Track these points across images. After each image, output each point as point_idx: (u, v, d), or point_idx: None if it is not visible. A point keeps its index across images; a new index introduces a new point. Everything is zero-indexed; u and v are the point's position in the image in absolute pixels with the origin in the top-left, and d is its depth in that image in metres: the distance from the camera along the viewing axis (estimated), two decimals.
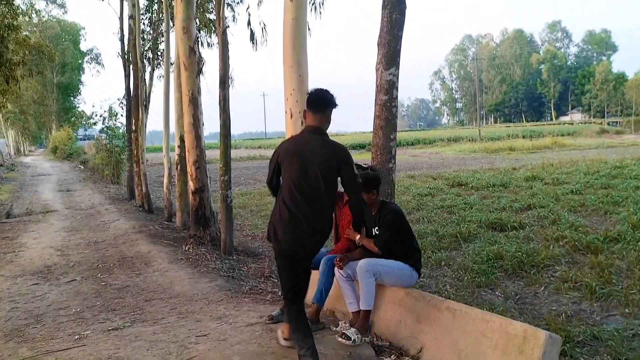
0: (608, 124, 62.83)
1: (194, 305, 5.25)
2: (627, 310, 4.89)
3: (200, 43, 9.54)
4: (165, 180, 11.38)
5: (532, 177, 15.42)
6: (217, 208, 8.86)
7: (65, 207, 13.63)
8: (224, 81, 6.72)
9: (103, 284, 6.17)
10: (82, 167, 29.70)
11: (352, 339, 3.92)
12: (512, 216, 9.43)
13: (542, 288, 5.67)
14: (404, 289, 4.16)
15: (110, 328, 4.59)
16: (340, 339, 3.97)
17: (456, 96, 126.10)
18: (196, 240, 7.74)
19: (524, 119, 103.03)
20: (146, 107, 13.00)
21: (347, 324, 4.20)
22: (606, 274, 5.74)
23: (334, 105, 3.54)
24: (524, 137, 45.05)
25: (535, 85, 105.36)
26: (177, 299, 5.48)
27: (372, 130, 4.75)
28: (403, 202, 11.95)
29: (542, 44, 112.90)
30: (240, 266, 6.70)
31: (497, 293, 5.58)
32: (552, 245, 7.25)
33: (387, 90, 4.46)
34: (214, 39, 13.53)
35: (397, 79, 4.51)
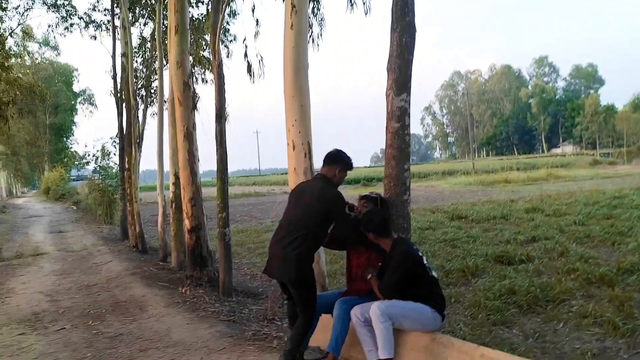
0: (600, 155, 63.35)
1: (193, 355, 4.84)
2: None
3: (194, 79, 9.39)
4: (160, 218, 11.06)
5: (532, 208, 15.24)
6: (214, 247, 8.54)
7: (57, 249, 13.22)
8: (221, 115, 6.52)
9: (94, 332, 5.76)
10: (75, 208, 29.29)
11: None
12: (518, 249, 9.18)
13: (561, 325, 5.37)
14: (428, 334, 3.79)
15: None
16: None
17: (447, 130, 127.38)
18: (193, 281, 7.38)
19: (515, 152, 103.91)
20: (139, 145, 12.79)
21: None
22: (627, 308, 5.47)
23: (341, 163, 4.18)
24: (517, 169, 45.16)
25: (525, 119, 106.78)
26: (175, 348, 5.08)
27: (384, 160, 4.53)
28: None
29: (530, 79, 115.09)
30: (241, 308, 6.29)
31: (514, 331, 5.26)
32: (564, 279, 6.98)
33: (399, 117, 4.25)
34: (208, 76, 13.50)
35: (409, 105, 4.31)
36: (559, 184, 29.54)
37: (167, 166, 10.08)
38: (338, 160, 4.15)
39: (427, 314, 3.76)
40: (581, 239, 9.83)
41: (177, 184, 9.06)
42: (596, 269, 7.11)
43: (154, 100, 13.97)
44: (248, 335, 5.27)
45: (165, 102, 11.38)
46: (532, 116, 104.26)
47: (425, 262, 3.84)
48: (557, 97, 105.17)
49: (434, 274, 3.95)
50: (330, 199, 3.95)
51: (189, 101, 7.83)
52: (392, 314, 3.66)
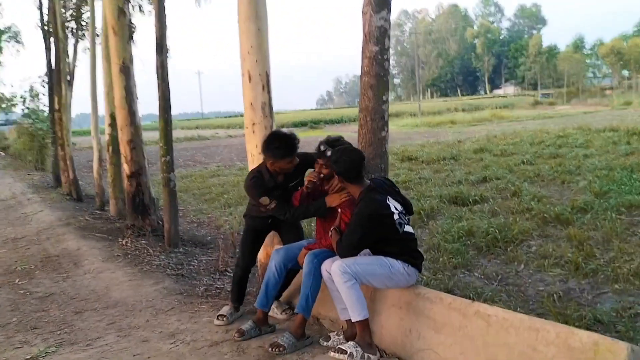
0: (541, 95, 65.16)
1: (137, 317, 4.26)
2: (617, 286, 4.52)
3: (130, 7, 8.39)
4: (95, 164, 10.22)
5: (480, 149, 15.37)
6: (157, 193, 7.94)
7: None
8: (161, 45, 5.76)
9: (22, 292, 5.10)
10: (3, 154, 27.39)
11: (350, 353, 3.13)
12: (471, 189, 9.13)
13: (522, 266, 5.26)
14: (412, 289, 3.35)
15: (29, 356, 3.60)
16: (335, 355, 3.17)
17: (394, 72, 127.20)
18: (135, 231, 6.76)
19: (459, 93, 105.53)
20: (70, 83, 11.62)
21: (341, 336, 3.48)
22: (587, 248, 5.41)
23: (267, 154, 3.81)
24: (463, 110, 45.81)
25: (470, 60, 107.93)
26: (116, 309, 4.49)
27: (360, 90, 4.01)
28: None
29: (476, 19, 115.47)
30: (189, 260, 5.75)
31: (476, 274, 5.11)
32: (519, 219, 6.93)
33: (378, 39, 3.71)
34: (146, 7, 12.31)
35: (390, 25, 3.79)
36: (503, 125, 30.18)
37: (103, 109, 9.16)
38: (264, 151, 3.78)
39: (398, 270, 3.30)
40: (531, 178, 9.91)
41: (113, 124, 8.24)
42: (551, 209, 7.09)
43: (85, 34, 12.66)
44: (199, 292, 4.76)
45: (98, 35, 10.30)
46: (476, 57, 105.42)
47: (396, 216, 3.27)
48: (501, 37, 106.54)
49: (408, 228, 3.40)
50: (245, 186, 3.93)
51: (125, 30, 6.96)
52: (355, 272, 3.20)
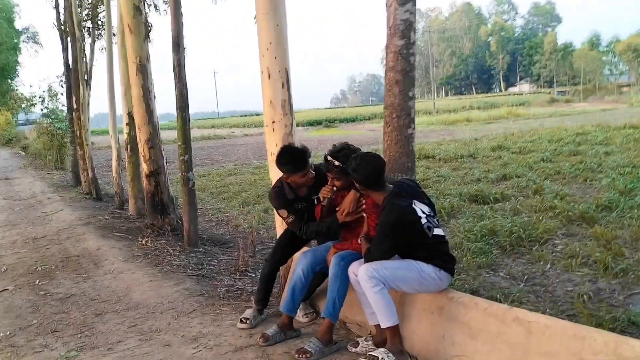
0: (557, 93, 64.35)
1: (159, 320, 4.16)
2: None
3: (146, 5, 8.38)
4: (114, 163, 10.25)
5: (498, 146, 15.20)
6: (176, 192, 7.93)
7: (2, 198, 12.26)
8: (178, 43, 5.73)
9: (42, 293, 5.03)
10: (23, 153, 27.71)
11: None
12: (491, 187, 9.00)
13: (549, 266, 5.14)
14: (445, 293, 3.19)
15: None
16: None
17: None
18: (154, 230, 6.75)
19: (474, 91, 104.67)
20: (87, 83, 11.68)
21: (370, 342, 3.35)
22: (615, 247, 5.27)
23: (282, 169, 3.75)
24: (478, 108, 45.33)
25: (484, 58, 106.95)
26: (137, 311, 4.39)
27: (385, 87, 3.93)
28: None
29: (489, 17, 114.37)
30: (209, 260, 5.68)
31: (501, 274, 5.00)
32: (543, 217, 6.80)
33: (404, 33, 3.63)
34: (161, 7, 12.33)
35: (415, 18, 3.71)
36: (520, 122, 29.77)
37: (121, 108, 9.17)
38: (277, 165, 3.75)
39: (429, 274, 3.12)
40: (552, 176, 9.76)
41: (131, 124, 8.24)
42: (575, 207, 6.95)
43: (102, 33, 12.71)
44: (220, 293, 4.64)
45: (114, 35, 10.33)
46: (490, 55, 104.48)
47: (424, 220, 3.10)
48: (515, 35, 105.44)
49: (438, 231, 3.22)
50: (268, 195, 3.93)
51: (141, 28, 6.94)
52: (383, 276, 3.05)
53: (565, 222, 6.52)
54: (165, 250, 5.95)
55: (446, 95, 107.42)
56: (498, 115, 35.55)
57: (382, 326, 3.11)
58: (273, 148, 4.18)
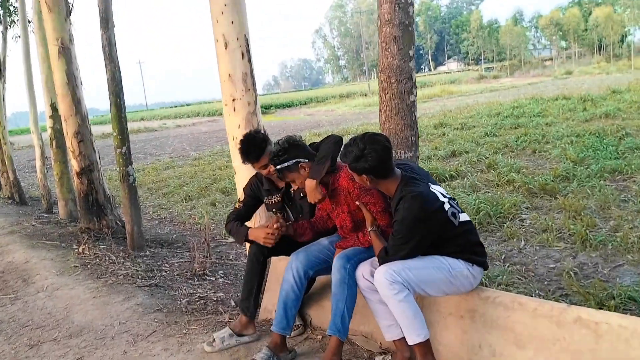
0: (484, 69, 66.48)
1: (111, 347, 3.31)
2: (630, 256, 4.26)
3: None
4: (38, 162, 9.24)
5: (440, 124, 15.18)
6: (112, 190, 7.16)
7: None
8: (107, 18, 4.99)
9: None
10: None
11: None
12: (444, 165, 8.85)
13: (523, 242, 4.93)
14: (476, 293, 2.64)
15: None
16: None
17: (339, 53, 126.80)
18: (91, 235, 5.97)
19: None
20: (1, 75, 10.45)
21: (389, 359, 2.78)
22: (585, 218, 5.14)
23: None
24: None
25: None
26: (82, 337, 3.51)
27: (379, 46, 3.42)
28: None
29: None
30: (159, 265, 4.97)
31: None
32: (503, 192, 6.66)
33: None
34: None
35: None
36: (454, 100, 30.32)
37: (42, 102, 8.17)
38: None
39: (461, 272, 2.57)
40: (501, 150, 9.74)
41: (55, 116, 7.35)
42: (534, 179, 6.85)
43: (15, 19, 11.40)
44: (182, 305, 3.88)
45: (29, 22, 9.27)
46: (419, 35, 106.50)
47: (447, 206, 2.54)
48: (442, 14, 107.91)
49: (464, 217, 2.65)
50: None
51: (61, 5, 6.08)
52: (407, 279, 2.49)
53: (527, 195, 6.41)
54: (107, 258, 5.12)
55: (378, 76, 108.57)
56: (432, 93, 36.15)
57: (410, 342, 2.54)
58: (235, 131, 3.63)
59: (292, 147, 2.86)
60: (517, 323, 2.43)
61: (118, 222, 6.43)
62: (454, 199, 2.70)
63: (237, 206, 3.32)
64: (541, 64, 58.97)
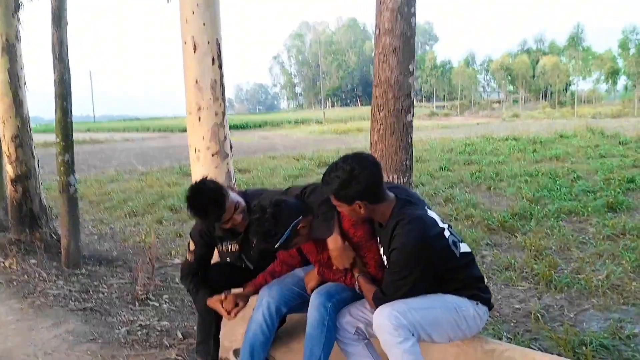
0: (436, 107, 68.51)
1: None
2: (594, 300, 4.17)
3: None
4: None
5: None
6: (48, 200, 6.58)
7: None
8: (60, 16, 4.58)
9: None
10: None
11: None
12: None
13: (486, 280, 4.77)
14: (476, 342, 2.26)
15: None
16: None
17: (295, 81, 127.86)
18: (21, 248, 5.39)
19: (359, 103, 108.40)
20: None
21: None
22: (549, 258, 5.07)
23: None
24: (364, 119, 46.53)
25: (369, 72, 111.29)
26: None
27: (375, 57, 3.16)
28: (276, 185, 10.68)
29: (373, 33, 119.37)
30: (96, 285, 4.45)
31: None
32: (462, 226, 6.58)
33: None
34: None
35: None
36: None
37: None
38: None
39: (468, 312, 2.21)
40: (456, 184, 9.76)
41: None
42: (492, 215, 6.82)
43: None
44: (120, 335, 3.37)
45: None
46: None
47: (447, 233, 2.21)
48: None
49: (464, 247, 2.29)
50: None
51: (8, 0, 5.61)
52: (413, 323, 2.10)
53: (486, 231, 6.34)
54: (38, 275, 4.53)
55: (332, 106, 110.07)
56: None
57: None
58: (199, 143, 3.29)
59: (278, 214, 2.24)
60: None
61: (53, 234, 5.87)
62: (452, 227, 2.37)
63: (189, 258, 2.80)
64: (490, 106, 61.58)
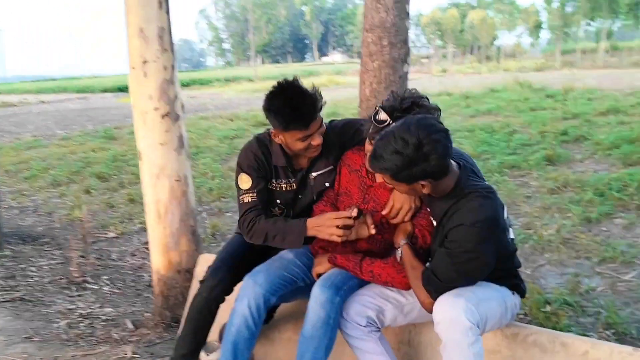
0: None
1: None
2: (549, 255, 4.21)
3: None
4: None
5: (332, 113, 15.08)
6: None
7: None
8: None
9: None
10: None
11: None
12: None
13: None
14: (515, 329, 2.03)
15: None
16: None
17: (223, 36, 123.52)
18: None
19: (290, 60, 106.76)
20: None
21: None
22: None
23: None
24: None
25: (299, 26, 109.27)
26: None
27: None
28: (212, 147, 10.23)
29: None
30: (23, 269, 3.90)
31: None
32: None
33: None
34: None
35: None
36: (342, 90, 30.59)
37: None
38: (264, 110, 2.21)
39: (512, 303, 1.98)
40: None
41: None
42: None
43: None
44: (61, 329, 2.87)
45: None
46: (305, 24, 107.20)
47: (505, 213, 1.92)
48: (328, 5, 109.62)
49: (512, 232, 2.03)
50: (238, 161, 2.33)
51: None
52: (483, 317, 1.80)
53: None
54: None
55: (263, 63, 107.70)
56: (320, 83, 35.87)
57: None
58: (144, 103, 2.85)
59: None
60: None
61: None
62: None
63: (247, 199, 2.21)
64: (419, 61, 62.18)
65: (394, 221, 2.06)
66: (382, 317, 2.04)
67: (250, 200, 2.21)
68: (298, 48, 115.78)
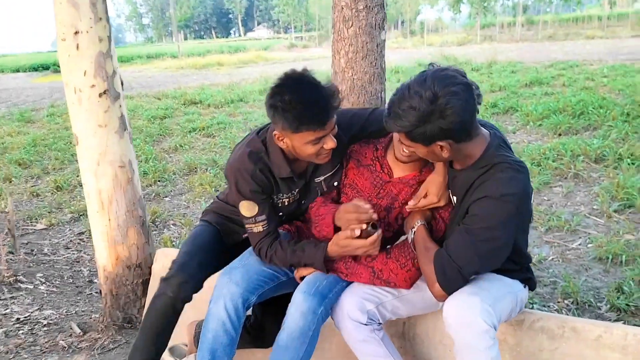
0: (294, 38, 67.79)
1: None
2: None
3: None
4: None
5: (263, 90, 14.82)
6: None
7: None
8: None
9: None
10: None
11: None
12: None
13: None
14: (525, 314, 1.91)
15: None
16: None
17: (142, 11, 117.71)
18: None
19: (214, 35, 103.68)
20: None
21: None
22: None
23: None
24: (222, 52, 44.64)
25: (222, 0, 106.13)
26: None
27: None
28: (140, 128, 9.73)
29: None
30: None
31: None
32: None
33: None
34: None
35: None
36: (270, 66, 30.12)
37: None
38: (267, 107, 1.90)
39: (523, 297, 1.85)
40: None
41: None
42: None
43: None
44: None
45: None
46: None
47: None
48: None
49: None
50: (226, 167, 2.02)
51: None
52: (498, 316, 1.64)
53: None
54: None
55: (185, 39, 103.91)
56: (248, 59, 35.44)
57: None
58: (78, 80, 2.54)
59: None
60: (570, 358, 1.76)
61: None
62: None
63: (258, 230, 1.96)
64: None
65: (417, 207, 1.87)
66: (382, 309, 1.87)
67: (261, 230, 1.97)
68: (222, 23, 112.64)
